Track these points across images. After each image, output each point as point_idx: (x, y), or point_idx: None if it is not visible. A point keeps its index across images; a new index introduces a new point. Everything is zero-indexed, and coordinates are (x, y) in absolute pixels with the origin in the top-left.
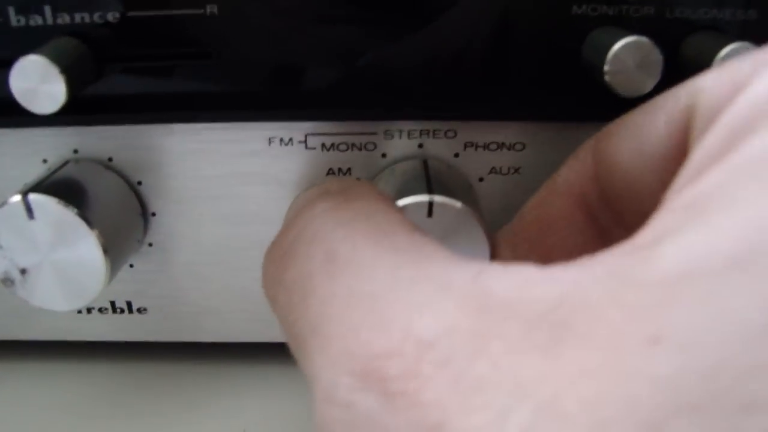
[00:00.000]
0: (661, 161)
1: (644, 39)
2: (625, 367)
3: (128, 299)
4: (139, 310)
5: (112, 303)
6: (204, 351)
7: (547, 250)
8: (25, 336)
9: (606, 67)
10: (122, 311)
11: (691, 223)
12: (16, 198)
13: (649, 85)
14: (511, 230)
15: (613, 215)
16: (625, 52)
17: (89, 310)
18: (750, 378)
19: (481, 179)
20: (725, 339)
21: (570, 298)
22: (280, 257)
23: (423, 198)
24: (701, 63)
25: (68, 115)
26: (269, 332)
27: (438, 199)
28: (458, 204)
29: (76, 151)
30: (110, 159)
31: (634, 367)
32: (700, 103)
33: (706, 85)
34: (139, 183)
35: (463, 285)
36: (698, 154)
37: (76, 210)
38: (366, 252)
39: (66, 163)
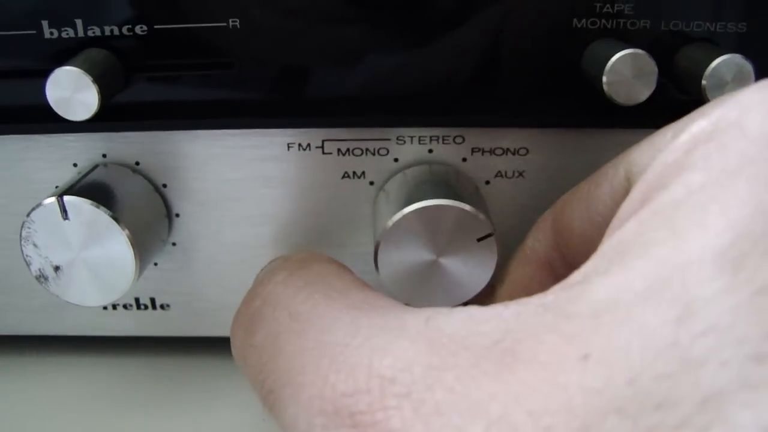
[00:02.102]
0: (607, 224)
1: (640, 51)
2: (562, 381)
3: (152, 296)
4: (162, 307)
5: (137, 300)
6: (223, 345)
7: None
8: (54, 331)
9: (605, 78)
10: (146, 308)
11: (613, 265)
12: (51, 199)
13: (645, 94)
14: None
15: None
16: (622, 64)
17: (114, 307)
18: (661, 381)
19: (487, 182)
20: (640, 352)
21: (513, 329)
22: (248, 323)
23: (432, 202)
24: (695, 73)
25: (98, 122)
26: None
27: (445, 203)
28: (467, 207)
29: (104, 156)
30: (137, 163)
31: (570, 381)
32: (633, 171)
33: (637, 155)
34: (164, 186)
35: (415, 328)
36: (623, 209)
37: (107, 211)
38: (326, 309)
39: (96, 167)
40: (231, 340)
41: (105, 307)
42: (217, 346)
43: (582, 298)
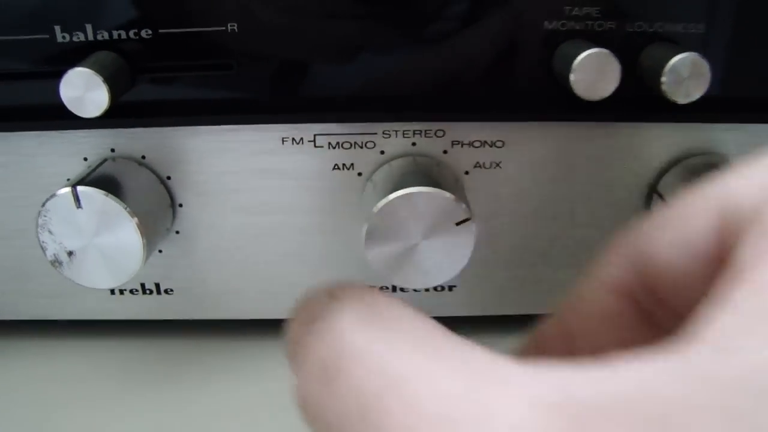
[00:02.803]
0: (702, 256)
1: (604, 50)
2: None
3: (156, 281)
4: (166, 291)
5: (142, 285)
6: (223, 327)
7: (590, 350)
8: (64, 316)
9: (572, 75)
10: (151, 292)
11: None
12: (66, 189)
13: (609, 90)
14: (534, 340)
15: (656, 301)
16: (588, 62)
17: (122, 292)
18: None
19: (467, 172)
20: None
21: (665, 397)
22: (323, 376)
23: (415, 189)
24: (656, 70)
25: (107, 119)
26: (281, 309)
27: (427, 190)
28: (447, 194)
29: (113, 150)
30: (143, 157)
31: None
32: (732, 211)
33: (737, 193)
34: (168, 178)
35: (530, 389)
36: (743, 257)
37: (118, 200)
38: (426, 365)
39: (105, 160)
40: (296, 386)
41: (112, 292)
42: (217, 328)
43: (739, 367)
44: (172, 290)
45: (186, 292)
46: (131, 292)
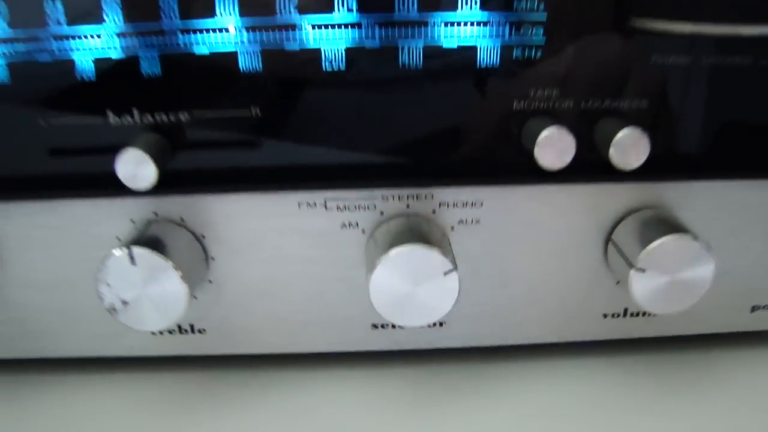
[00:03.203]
0: None
1: (562, 128)
2: None
3: (191, 323)
4: (199, 331)
5: (179, 326)
6: (248, 361)
7: None
8: (108, 353)
9: (537, 150)
10: (186, 332)
11: None
12: (123, 249)
13: (566, 161)
14: None
15: None
16: (548, 138)
17: (161, 332)
18: None
19: (452, 228)
20: None
21: None
22: None
23: (409, 246)
24: (605, 141)
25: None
26: (298, 345)
27: (419, 247)
28: (435, 250)
29: (156, 214)
30: (182, 218)
31: None
32: None
33: None
34: (203, 236)
35: None
36: None
37: (165, 257)
38: None
39: (150, 222)
40: None
41: (153, 333)
42: (243, 361)
43: None
44: (204, 330)
45: (216, 331)
46: (169, 332)
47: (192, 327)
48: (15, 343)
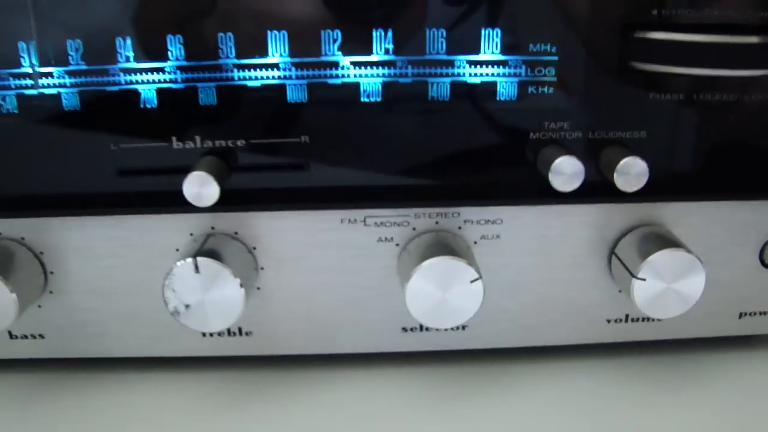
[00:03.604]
0: None
1: (572, 157)
2: None
3: (239, 326)
4: (246, 333)
5: (228, 329)
6: (291, 361)
7: None
8: (163, 353)
9: (551, 175)
10: (234, 334)
11: None
12: (189, 259)
13: (576, 184)
14: None
15: None
16: (560, 165)
17: (212, 335)
18: None
19: (475, 242)
20: None
21: None
22: None
23: (439, 258)
24: (610, 168)
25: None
26: (337, 347)
27: (449, 258)
28: (463, 261)
29: (213, 228)
30: (236, 233)
31: None
32: None
33: None
34: (254, 248)
35: None
36: None
37: (225, 265)
38: None
39: (209, 236)
40: None
41: (203, 334)
42: (285, 361)
43: None
44: (251, 332)
45: (262, 333)
46: (219, 334)
47: (240, 330)
48: (79, 343)
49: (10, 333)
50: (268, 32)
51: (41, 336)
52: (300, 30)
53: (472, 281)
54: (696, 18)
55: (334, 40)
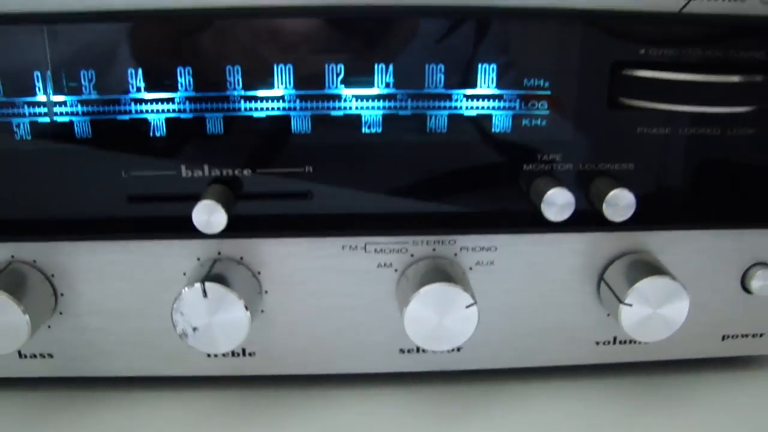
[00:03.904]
0: None
1: (564, 189)
2: None
3: (243, 347)
4: (249, 354)
5: (232, 350)
6: (291, 380)
7: None
8: (170, 373)
9: (543, 206)
10: (238, 355)
11: None
12: (197, 284)
13: (567, 214)
14: None
15: None
16: (552, 196)
17: (216, 355)
18: None
19: (470, 268)
20: None
21: None
22: None
23: (436, 285)
24: (599, 199)
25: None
26: (337, 367)
27: (445, 285)
28: (458, 287)
29: (219, 253)
30: (241, 258)
31: None
32: None
33: None
34: (259, 273)
35: None
36: None
37: (233, 291)
38: None
39: (215, 261)
40: None
41: (208, 355)
42: (287, 381)
43: None
44: (254, 353)
45: (264, 353)
46: (223, 354)
47: (243, 350)
48: (87, 363)
49: (19, 352)
50: (274, 65)
51: (50, 355)
52: (304, 63)
53: (467, 306)
54: (681, 57)
55: (337, 74)
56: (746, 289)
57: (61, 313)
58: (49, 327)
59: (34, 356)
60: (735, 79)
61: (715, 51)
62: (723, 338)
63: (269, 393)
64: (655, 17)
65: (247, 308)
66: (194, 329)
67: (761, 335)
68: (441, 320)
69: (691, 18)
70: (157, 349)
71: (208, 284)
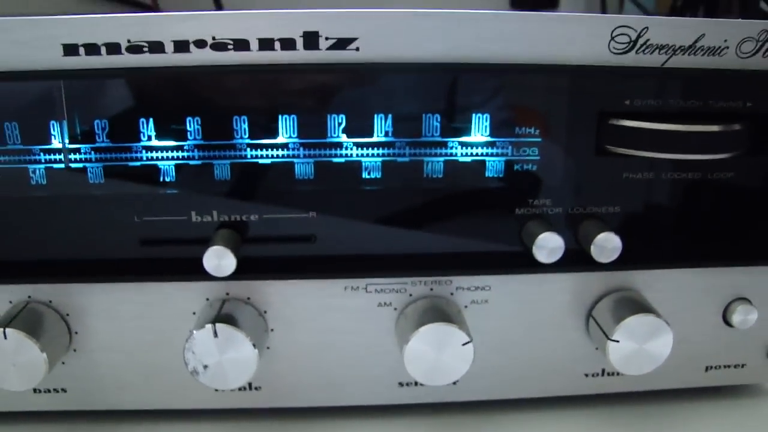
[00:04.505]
0: None
1: (554, 233)
2: None
3: (250, 381)
4: (256, 388)
5: None
6: (295, 413)
7: None
8: (180, 406)
9: (534, 248)
10: (245, 389)
11: None
12: (208, 326)
13: (556, 257)
14: None
15: None
16: (543, 240)
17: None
18: None
19: (466, 306)
20: None
21: None
22: None
23: (434, 325)
24: (587, 241)
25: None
26: (339, 400)
27: (442, 324)
28: (455, 326)
29: (227, 294)
30: (248, 298)
31: None
32: None
33: None
34: (265, 312)
35: None
36: None
37: (241, 331)
38: None
39: (224, 302)
40: None
41: (216, 390)
42: (293, 413)
43: None
44: (259, 387)
45: (270, 387)
46: (230, 390)
47: (250, 385)
48: (99, 397)
49: (34, 388)
50: (279, 116)
51: (63, 390)
52: (308, 114)
53: (463, 344)
54: (664, 108)
55: (339, 124)
56: (728, 323)
57: (75, 350)
58: (63, 363)
59: (48, 391)
60: (715, 128)
61: (695, 102)
62: (707, 369)
63: (275, 425)
64: (639, 71)
65: (255, 347)
66: (205, 367)
67: (743, 365)
68: (439, 357)
69: (673, 72)
70: (166, 384)
71: (218, 325)
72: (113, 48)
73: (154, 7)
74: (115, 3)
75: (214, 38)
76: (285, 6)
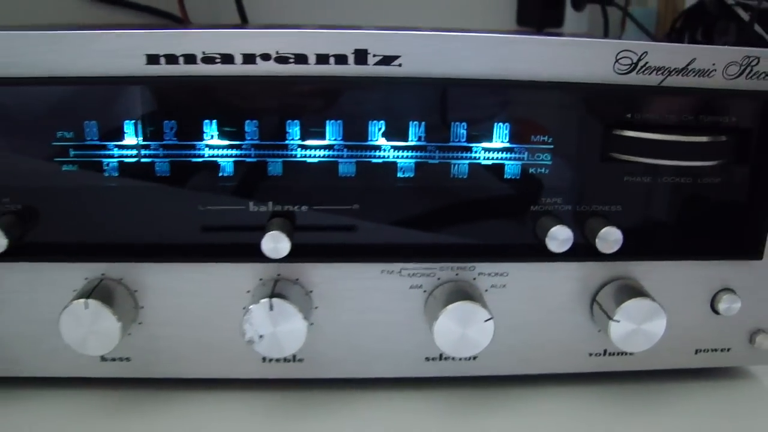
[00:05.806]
0: None
1: (564, 227)
2: None
3: (294, 353)
4: (299, 360)
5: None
6: (333, 383)
7: None
8: (230, 375)
9: (546, 240)
10: (289, 360)
11: None
12: (265, 300)
13: (566, 248)
14: None
15: None
16: (554, 232)
17: (270, 360)
18: None
19: (486, 290)
20: None
21: None
22: None
23: (460, 303)
24: (592, 235)
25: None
26: (373, 371)
27: (467, 303)
28: (478, 305)
29: (279, 275)
30: (297, 279)
31: None
32: None
33: None
34: (311, 291)
35: None
36: None
37: (293, 304)
38: None
39: (277, 281)
40: None
41: (263, 360)
42: (331, 383)
43: None
44: (303, 359)
45: (312, 360)
46: (276, 360)
47: (294, 356)
48: (159, 366)
49: (102, 356)
50: (326, 121)
51: (128, 359)
52: (352, 120)
53: (485, 320)
54: (661, 120)
55: (379, 129)
56: (715, 310)
57: (140, 323)
58: (129, 334)
59: (114, 360)
60: (704, 139)
61: (687, 116)
62: (696, 352)
63: (314, 394)
64: (639, 89)
65: (305, 319)
66: (260, 337)
67: (728, 349)
68: (464, 332)
69: (669, 90)
70: (219, 356)
71: (274, 300)
72: (190, 59)
73: (184, 20)
74: (146, 14)
75: (277, 52)
76: (306, 19)
